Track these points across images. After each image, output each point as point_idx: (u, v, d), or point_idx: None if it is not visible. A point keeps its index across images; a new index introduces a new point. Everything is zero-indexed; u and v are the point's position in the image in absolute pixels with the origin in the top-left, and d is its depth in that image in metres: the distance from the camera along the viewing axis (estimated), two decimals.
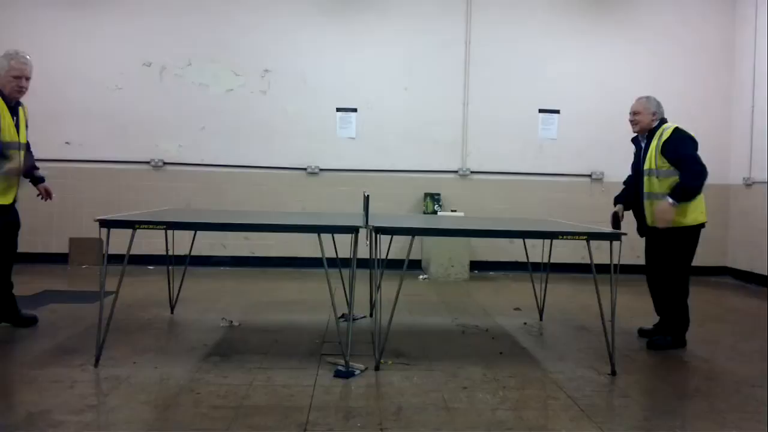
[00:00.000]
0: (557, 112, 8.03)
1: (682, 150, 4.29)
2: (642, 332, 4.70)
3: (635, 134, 4.65)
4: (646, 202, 4.47)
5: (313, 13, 7.84)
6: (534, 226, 4.46)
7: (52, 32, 7.61)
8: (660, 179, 4.35)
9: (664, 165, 4.32)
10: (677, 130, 4.35)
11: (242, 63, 7.81)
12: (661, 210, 4.25)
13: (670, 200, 4.22)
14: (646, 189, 4.45)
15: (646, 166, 4.45)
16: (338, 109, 7.89)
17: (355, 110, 7.90)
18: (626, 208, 4.76)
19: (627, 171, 8.22)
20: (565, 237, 3.93)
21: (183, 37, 7.73)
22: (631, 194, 4.68)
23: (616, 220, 4.71)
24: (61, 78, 7.58)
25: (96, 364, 3.64)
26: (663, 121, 4.50)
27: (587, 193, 8.08)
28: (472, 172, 8.01)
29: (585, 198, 8.08)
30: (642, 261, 8.07)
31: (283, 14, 7.82)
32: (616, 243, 3.82)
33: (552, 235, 4.08)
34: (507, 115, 7.97)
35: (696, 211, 4.33)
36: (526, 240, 5.11)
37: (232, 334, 4.47)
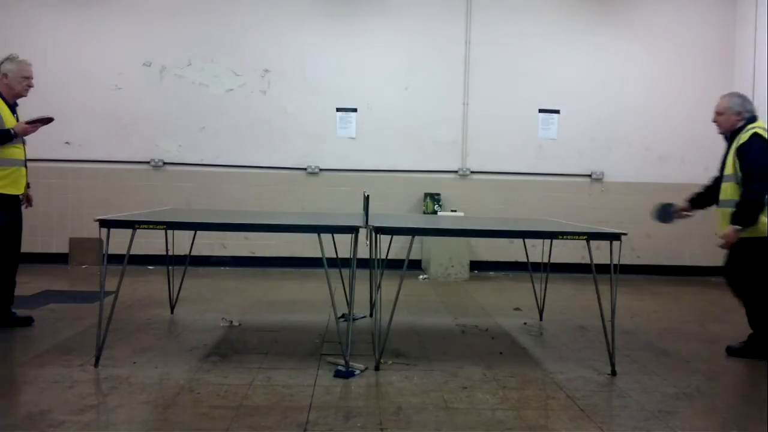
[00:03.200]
0: (557, 112, 8.03)
1: (748, 161, 3.94)
2: (730, 351, 4.24)
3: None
4: (717, 210, 4.18)
5: (313, 13, 7.84)
6: (534, 226, 4.46)
7: (53, 32, 7.61)
8: (735, 186, 4.06)
9: (738, 171, 4.02)
10: (753, 137, 3.97)
11: (242, 63, 7.81)
12: (724, 235, 3.99)
13: (734, 227, 3.94)
14: (720, 195, 4.17)
15: (725, 171, 4.14)
16: (338, 109, 7.89)
17: (355, 110, 7.90)
18: (695, 206, 4.47)
19: (627, 171, 8.29)
20: (565, 237, 3.93)
21: (183, 37, 7.74)
22: (711, 194, 4.36)
23: (666, 212, 4.44)
24: (62, 78, 7.59)
25: (96, 364, 3.64)
26: (751, 120, 4.11)
27: (587, 193, 8.08)
28: (472, 172, 8.01)
29: (585, 198, 8.08)
30: (642, 261, 8.13)
31: (283, 14, 7.83)
32: (616, 243, 3.82)
33: (552, 235, 4.07)
34: (507, 115, 7.97)
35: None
36: (526, 240, 5.11)
37: (232, 334, 4.47)
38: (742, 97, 4.19)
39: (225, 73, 7.80)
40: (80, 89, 7.66)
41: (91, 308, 5.09)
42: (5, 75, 4.41)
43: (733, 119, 4.17)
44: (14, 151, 4.37)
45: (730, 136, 4.20)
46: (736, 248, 4.08)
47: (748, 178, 3.95)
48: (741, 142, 4.05)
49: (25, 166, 4.51)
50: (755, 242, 4.01)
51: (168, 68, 7.75)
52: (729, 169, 4.12)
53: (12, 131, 4.28)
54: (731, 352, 4.22)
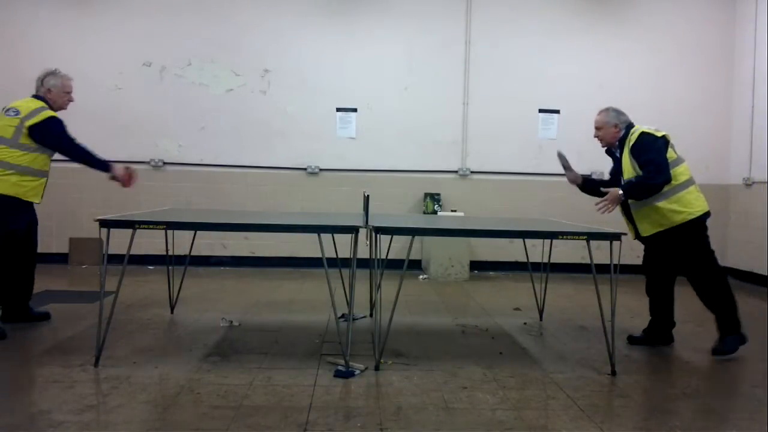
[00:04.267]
0: (557, 112, 8.03)
1: (644, 154, 4.14)
2: (632, 339, 4.51)
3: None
4: (635, 212, 4.32)
5: (313, 13, 7.84)
6: (534, 226, 4.46)
7: (53, 32, 7.62)
8: None
9: (638, 171, 4.19)
10: (642, 135, 4.21)
11: (242, 63, 7.81)
12: (611, 196, 4.14)
13: (620, 191, 4.14)
14: (630, 201, 4.29)
15: (625, 177, 4.31)
16: (338, 109, 7.89)
17: (355, 110, 7.90)
18: (582, 186, 4.81)
19: None
20: (565, 237, 3.93)
21: (183, 37, 7.74)
22: (596, 187, 4.65)
23: (564, 162, 4.72)
24: None
25: (96, 364, 3.64)
26: (630, 126, 4.35)
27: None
28: (472, 172, 8.01)
29: (585, 198, 8.03)
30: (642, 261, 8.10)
31: (283, 14, 7.83)
32: (616, 243, 3.82)
33: (552, 235, 4.08)
34: (507, 115, 7.97)
35: (685, 209, 4.16)
36: (526, 240, 5.11)
37: (232, 334, 4.47)
38: (616, 110, 4.41)
39: (225, 73, 7.80)
40: (80, 89, 7.51)
41: (91, 308, 5.09)
42: (49, 90, 4.55)
43: (612, 131, 4.35)
44: (48, 162, 4.58)
45: (618, 146, 4.39)
46: (666, 242, 4.25)
47: (649, 168, 4.10)
48: (632, 143, 4.23)
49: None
50: (681, 228, 4.16)
51: (168, 68, 7.75)
52: (627, 173, 4.27)
53: (110, 168, 4.52)
54: (716, 352, 4.20)
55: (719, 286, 4.22)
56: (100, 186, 7.67)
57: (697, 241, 4.23)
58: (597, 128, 4.44)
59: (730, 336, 4.19)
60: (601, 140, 4.48)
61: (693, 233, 4.21)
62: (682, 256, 4.27)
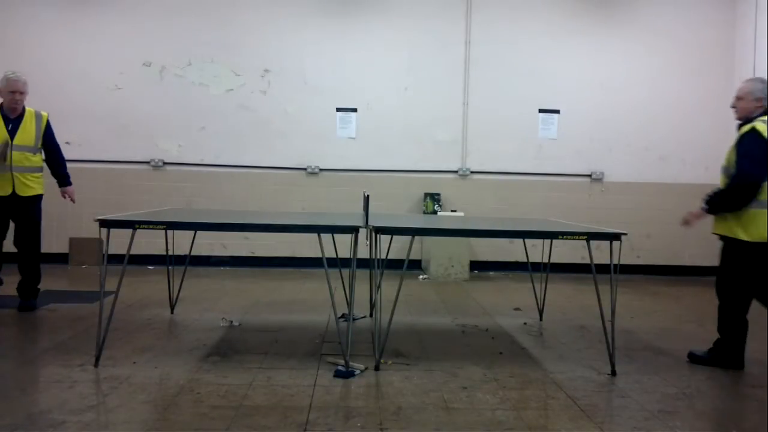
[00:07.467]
0: (557, 112, 8.03)
1: (739, 156, 3.72)
2: (693, 357, 4.12)
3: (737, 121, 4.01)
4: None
5: (313, 13, 7.85)
6: (534, 226, 4.46)
7: (53, 32, 7.62)
8: (725, 178, 3.89)
9: (732, 166, 3.79)
10: (752, 131, 3.72)
11: (242, 63, 7.81)
12: (692, 214, 3.91)
13: (703, 206, 3.86)
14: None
15: (723, 162, 3.92)
16: (338, 109, 7.90)
17: (355, 110, 7.90)
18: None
19: (627, 171, 8.30)
20: (565, 237, 3.93)
21: (183, 37, 7.74)
22: None
23: None
24: (62, 78, 7.59)
25: (96, 364, 3.64)
26: (766, 112, 3.81)
27: (587, 193, 8.08)
28: (472, 172, 8.01)
29: (585, 198, 8.08)
30: (642, 261, 8.14)
31: (283, 14, 7.83)
32: (616, 243, 3.82)
33: (552, 235, 4.07)
34: (507, 115, 7.98)
35: (758, 226, 3.74)
36: (526, 240, 5.11)
37: (232, 334, 4.47)
38: (765, 82, 3.91)
39: (225, 73, 7.80)
40: (80, 89, 7.65)
41: (91, 308, 5.09)
42: None
43: (752, 105, 3.84)
44: None
45: (740, 124, 3.95)
46: (725, 249, 3.98)
47: (735, 172, 3.77)
48: (740, 134, 3.84)
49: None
50: (738, 244, 3.85)
51: (168, 68, 7.75)
52: (725, 160, 3.92)
53: None
54: (694, 359, 4.10)
55: (730, 315, 4.01)
56: (100, 186, 7.71)
57: (740, 265, 3.90)
58: (738, 98, 3.91)
59: (718, 359, 4.00)
60: (736, 112, 3.94)
61: (746, 256, 3.85)
62: (723, 268, 4.02)
